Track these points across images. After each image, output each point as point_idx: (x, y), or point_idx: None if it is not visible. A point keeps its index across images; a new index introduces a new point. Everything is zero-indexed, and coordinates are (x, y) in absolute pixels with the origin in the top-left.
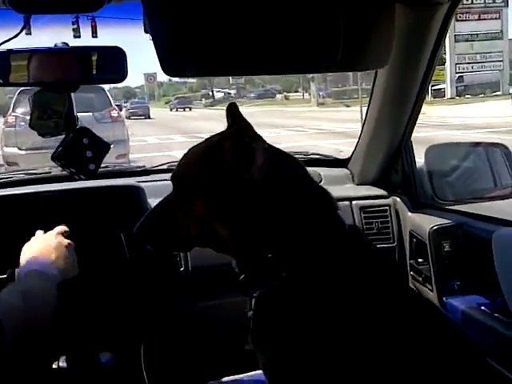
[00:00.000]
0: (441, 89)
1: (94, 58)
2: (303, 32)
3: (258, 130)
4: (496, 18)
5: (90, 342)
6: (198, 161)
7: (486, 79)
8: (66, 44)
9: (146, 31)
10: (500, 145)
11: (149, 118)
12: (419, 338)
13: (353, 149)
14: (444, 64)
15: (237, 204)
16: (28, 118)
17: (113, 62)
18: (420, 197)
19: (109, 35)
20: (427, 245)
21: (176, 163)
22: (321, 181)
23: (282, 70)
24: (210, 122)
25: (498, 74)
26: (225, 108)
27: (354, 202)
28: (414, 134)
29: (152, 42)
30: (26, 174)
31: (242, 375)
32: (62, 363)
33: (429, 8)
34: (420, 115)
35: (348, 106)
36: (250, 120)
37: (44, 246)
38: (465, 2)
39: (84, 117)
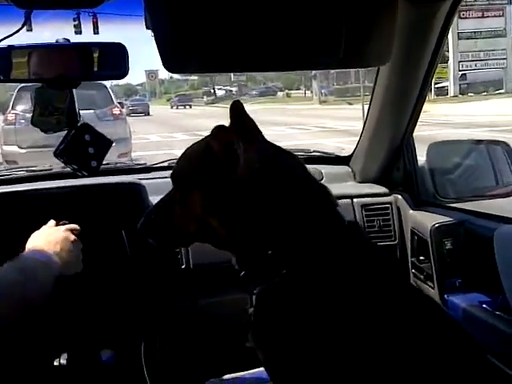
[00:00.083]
0: (444, 87)
1: (95, 54)
2: (305, 28)
3: (260, 128)
4: (499, 16)
5: (91, 340)
6: (192, 159)
7: (489, 77)
8: (67, 40)
9: (147, 27)
10: (501, 142)
11: (148, 114)
12: (419, 335)
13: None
14: (447, 62)
15: (230, 201)
16: (28, 115)
17: (114, 59)
18: (421, 194)
19: (110, 32)
20: (429, 242)
21: (176, 160)
22: (322, 178)
23: (284, 66)
24: (212, 120)
25: (501, 72)
26: (226, 106)
27: (355, 200)
28: (418, 133)
29: (153, 38)
30: (26, 170)
31: (243, 373)
32: (63, 360)
33: (431, 5)
34: (423, 113)
35: (350, 104)
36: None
37: (51, 237)
38: None
39: (85, 114)
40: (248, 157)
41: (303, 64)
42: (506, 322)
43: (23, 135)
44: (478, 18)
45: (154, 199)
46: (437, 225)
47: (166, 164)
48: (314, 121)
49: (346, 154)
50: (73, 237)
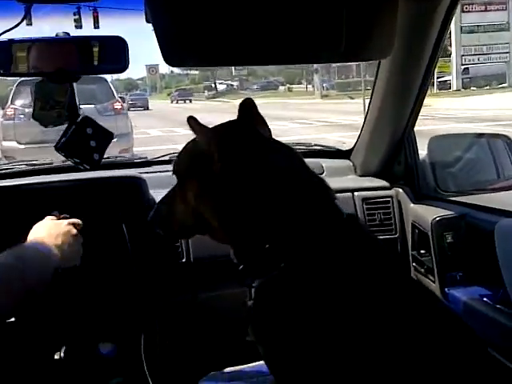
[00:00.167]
0: (446, 81)
1: (95, 47)
2: (306, 22)
3: None
4: (503, 9)
5: (91, 333)
6: (187, 154)
7: (492, 71)
8: (67, 34)
9: (147, 21)
10: (503, 136)
11: (147, 109)
12: (418, 328)
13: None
14: (450, 56)
15: (215, 193)
16: (27, 110)
17: (114, 52)
18: (422, 188)
19: (111, 26)
20: (429, 236)
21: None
22: (323, 172)
23: (285, 60)
24: (213, 115)
25: (503, 65)
26: (227, 100)
27: (356, 194)
28: (421, 127)
29: (153, 32)
30: (27, 164)
31: (243, 366)
32: (63, 354)
33: None
34: (426, 107)
35: (352, 98)
36: None
37: (53, 229)
38: None
39: (86, 109)
40: (225, 153)
41: (304, 57)
42: (506, 315)
43: (22, 130)
44: (481, 11)
45: (155, 193)
46: (438, 218)
47: (166, 158)
48: (316, 115)
49: (347, 148)
50: (75, 231)
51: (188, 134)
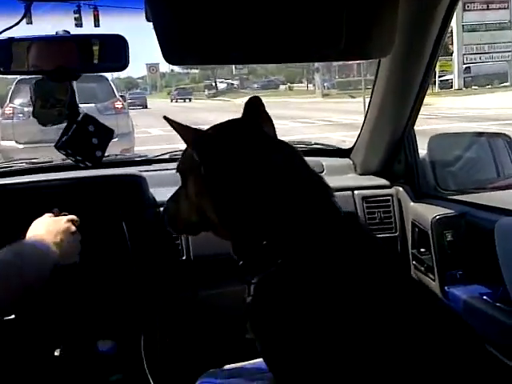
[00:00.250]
0: (448, 80)
1: (95, 46)
2: (306, 20)
3: None
4: (504, 8)
5: (91, 330)
6: (186, 153)
7: (493, 70)
8: (67, 32)
9: (147, 19)
10: (503, 135)
11: (146, 107)
12: (416, 326)
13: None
14: (451, 55)
15: (218, 192)
16: (26, 109)
17: (114, 50)
18: (422, 187)
19: (111, 25)
20: (429, 234)
21: (178, 152)
22: (323, 171)
23: (285, 58)
24: (214, 114)
25: (505, 64)
26: (228, 99)
27: (356, 192)
28: (425, 127)
29: (154, 30)
30: (27, 163)
31: (243, 363)
32: (63, 351)
33: None
34: (428, 107)
35: (353, 97)
36: None
37: (52, 226)
38: None
39: (86, 108)
40: (207, 153)
41: (304, 55)
42: (506, 313)
43: (21, 130)
44: (483, 10)
45: (156, 191)
46: (438, 217)
47: (167, 156)
48: (318, 114)
49: (347, 147)
50: (74, 228)
51: None
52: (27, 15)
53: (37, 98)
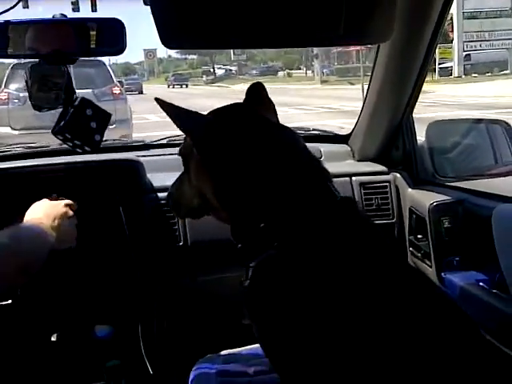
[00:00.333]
0: (447, 67)
1: (92, 29)
2: (305, 4)
3: None
4: None
5: (88, 316)
6: (188, 140)
7: (493, 58)
8: (64, 16)
9: (145, 3)
10: (501, 121)
11: (141, 93)
12: (413, 312)
13: None
14: (451, 42)
15: (216, 175)
16: (22, 94)
17: (111, 34)
18: (420, 173)
19: (109, 9)
20: (427, 221)
21: (176, 138)
22: (321, 157)
23: (284, 43)
24: (213, 100)
25: (505, 52)
26: (226, 85)
27: (353, 178)
28: (428, 114)
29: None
30: (24, 147)
31: (240, 349)
32: (60, 336)
33: None
34: (430, 94)
35: (352, 84)
36: None
37: (50, 210)
38: None
39: (83, 94)
40: (201, 136)
41: (303, 40)
42: (502, 300)
43: (16, 116)
44: None
45: (153, 176)
46: (435, 203)
47: (164, 141)
48: (318, 101)
49: (345, 132)
50: (71, 213)
51: None
52: None
53: (33, 82)
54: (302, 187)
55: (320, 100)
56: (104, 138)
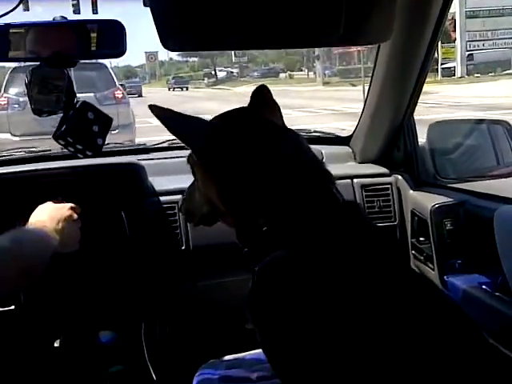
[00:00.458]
0: (450, 67)
1: (93, 31)
2: (305, 5)
3: None
4: None
5: (91, 321)
6: None
7: (496, 57)
8: (65, 18)
9: (145, 4)
10: (502, 122)
11: (140, 96)
12: (415, 315)
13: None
14: (454, 42)
15: (220, 179)
16: (22, 99)
17: (112, 37)
18: (422, 175)
19: (110, 12)
20: (429, 223)
21: (176, 141)
22: (322, 159)
23: (284, 43)
24: (219, 102)
25: (508, 52)
26: (228, 88)
27: (355, 180)
28: (434, 115)
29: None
30: (26, 151)
31: (243, 354)
32: (63, 342)
33: None
34: (433, 95)
35: (354, 85)
36: None
37: (55, 213)
38: None
39: (84, 98)
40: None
41: (303, 41)
42: (505, 303)
43: (16, 122)
44: None
45: (154, 180)
46: (437, 205)
47: (166, 145)
48: (320, 103)
49: (346, 134)
50: (75, 216)
51: None
52: (24, 1)
53: (34, 85)
54: (303, 191)
55: (322, 102)
56: (106, 142)
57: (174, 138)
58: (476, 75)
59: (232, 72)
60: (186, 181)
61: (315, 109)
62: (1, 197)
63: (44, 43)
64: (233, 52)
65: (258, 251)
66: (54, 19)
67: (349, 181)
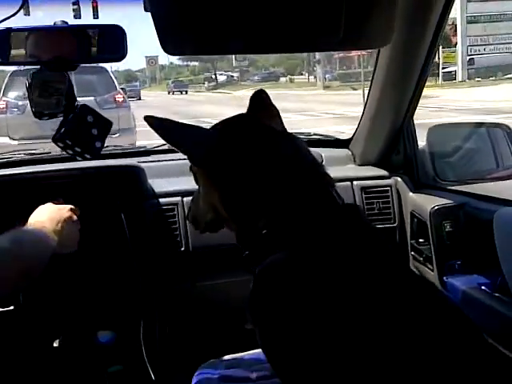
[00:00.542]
0: (451, 72)
1: (93, 36)
2: (304, 9)
3: None
4: None
5: (90, 321)
6: None
7: (497, 62)
8: (65, 22)
9: (145, 9)
10: (502, 125)
11: (139, 99)
12: (415, 316)
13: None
14: (455, 46)
15: (219, 184)
16: (21, 103)
17: (112, 41)
18: (421, 177)
19: (110, 16)
20: (428, 225)
21: None
22: (322, 161)
23: (284, 48)
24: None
25: (509, 56)
26: (228, 91)
27: (355, 183)
28: (438, 119)
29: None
30: (25, 154)
31: (242, 353)
32: (62, 342)
33: None
34: (435, 99)
35: (355, 89)
36: None
37: (55, 214)
38: None
39: (84, 102)
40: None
41: (303, 45)
42: (504, 303)
43: (15, 125)
44: (487, 0)
45: (154, 182)
46: (436, 207)
47: (165, 147)
48: (321, 107)
49: (346, 137)
50: (75, 217)
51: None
52: (25, 6)
53: (34, 88)
54: (302, 194)
55: (323, 105)
56: (105, 143)
57: None
58: (477, 79)
59: (232, 76)
60: (185, 183)
61: (317, 112)
62: (0, 198)
63: (44, 47)
64: (233, 56)
65: (258, 254)
66: (54, 24)
67: (348, 183)
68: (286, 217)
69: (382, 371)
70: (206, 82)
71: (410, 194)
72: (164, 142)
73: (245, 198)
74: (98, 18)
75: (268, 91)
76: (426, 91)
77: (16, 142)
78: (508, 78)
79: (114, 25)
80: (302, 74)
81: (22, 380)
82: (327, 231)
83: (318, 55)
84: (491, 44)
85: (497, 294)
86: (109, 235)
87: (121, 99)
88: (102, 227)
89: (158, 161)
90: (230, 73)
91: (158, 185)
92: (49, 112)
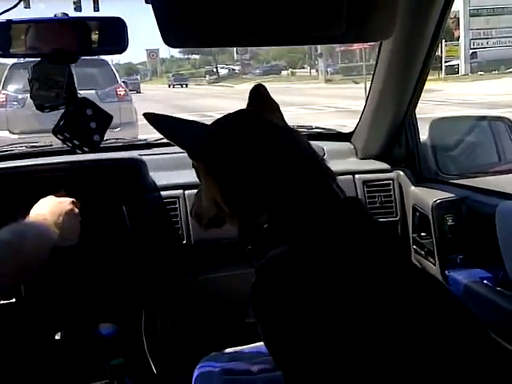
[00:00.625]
0: (453, 65)
1: (94, 28)
2: (307, 2)
3: None
4: None
5: (92, 314)
6: None
7: (500, 55)
8: (66, 15)
9: (146, 1)
10: (504, 118)
11: (139, 92)
12: (418, 310)
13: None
14: (458, 39)
15: (220, 178)
16: (21, 96)
17: (113, 33)
18: (423, 171)
19: (111, 9)
20: (430, 219)
21: None
22: (324, 155)
23: (286, 40)
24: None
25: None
26: (229, 85)
27: (356, 176)
28: (442, 113)
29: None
30: (27, 146)
31: (243, 347)
32: (64, 334)
33: None
34: (438, 92)
35: (357, 83)
36: None
37: (56, 207)
38: None
39: (86, 95)
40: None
41: (304, 38)
42: (506, 297)
43: (15, 119)
44: None
45: (155, 175)
46: (438, 201)
47: (166, 140)
48: (323, 100)
49: (348, 130)
50: (77, 210)
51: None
52: None
53: (35, 81)
54: (302, 188)
55: (325, 99)
56: (106, 136)
57: None
58: (480, 73)
59: (234, 69)
60: (187, 176)
61: (318, 106)
62: (2, 191)
63: (45, 39)
64: (235, 49)
65: (260, 248)
66: (55, 16)
67: (350, 176)
68: (287, 211)
69: (384, 365)
70: (208, 76)
71: (412, 187)
72: None
73: (245, 193)
74: (98, 10)
75: (269, 85)
76: (428, 85)
77: (16, 136)
78: (511, 72)
79: (114, 17)
80: (303, 68)
81: (24, 372)
82: (329, 225)
83: (319, 49)
84: (494, 37)
85: (499, 288)
86: (110, 228)
87: (122, 92)
88: (104, 220)
89: (160, 154)
90: (231, 66)
91: (160, 178)
92: (50, 104)
